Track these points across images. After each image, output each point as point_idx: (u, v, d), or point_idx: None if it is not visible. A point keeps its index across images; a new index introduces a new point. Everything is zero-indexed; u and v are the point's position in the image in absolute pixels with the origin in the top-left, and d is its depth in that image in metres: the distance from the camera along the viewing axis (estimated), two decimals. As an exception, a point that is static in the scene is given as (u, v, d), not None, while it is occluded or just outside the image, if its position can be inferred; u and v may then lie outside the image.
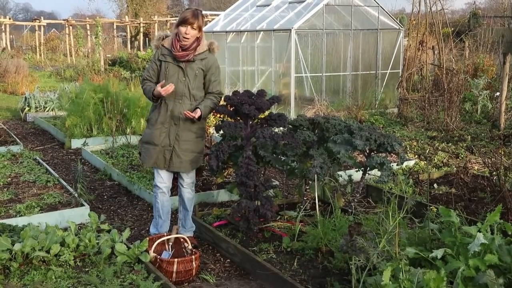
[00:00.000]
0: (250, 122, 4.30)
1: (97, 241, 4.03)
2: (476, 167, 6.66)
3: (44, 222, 4.36)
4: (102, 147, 7.69)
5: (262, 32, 11.39)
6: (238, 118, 4.33)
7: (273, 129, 4.32)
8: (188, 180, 4.32)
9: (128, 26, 30.51)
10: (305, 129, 4.72)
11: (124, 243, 4.00)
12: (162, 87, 3.96)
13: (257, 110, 4.20)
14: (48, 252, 3.84)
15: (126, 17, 31.52)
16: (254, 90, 4.41)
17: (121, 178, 6.22)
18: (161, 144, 4.12)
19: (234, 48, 12.28)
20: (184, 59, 4.05)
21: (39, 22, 28.26)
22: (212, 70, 4.16)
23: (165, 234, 4.16)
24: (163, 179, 4.25)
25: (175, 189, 4.69)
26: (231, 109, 4.33)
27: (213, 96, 4.19)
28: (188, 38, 3.99)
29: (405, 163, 6.57)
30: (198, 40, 4.06)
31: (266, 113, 4.46)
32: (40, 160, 6.99)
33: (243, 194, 4.23)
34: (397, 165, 4.92)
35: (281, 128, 4.58)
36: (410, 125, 9.60)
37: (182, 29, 3.97)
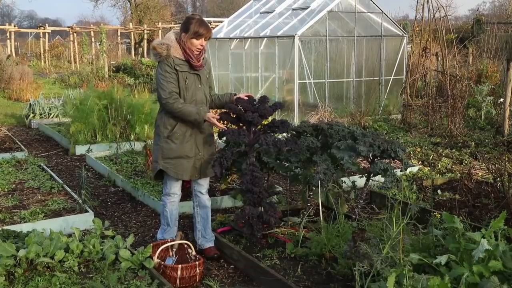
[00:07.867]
0: (253, 129, 4.30)
1: (101, 247, 4.04)
2: (480, 173, 6.65)
3: (49, 228, 4.38)
4: (106, 154, 7.72)
5: (265, 39, 11.42)
6: (241, 124, 4.34)
7: (276, 135, 4.32)
8: (207, 186, 4.34)
9: (132, 33, 30.63)
10: (308, 135, 4.72)
11: (128, 249, 4.01)
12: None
13: (260, 117, 4.20)
14: (52, 258, 3.85)
15: (130, 24, 31.66)
16: (258, 96, 4.41)
17: (125, 184, 6.23)
18: (194, 155, 4.12)
19: (238, 55, 12.32)
20: (201, 68, 4.09)
21: (44, 29, 28.45)
22: (210, 68, 4.31)
23: (169, 240, 4.16)
24: (178, 189, 4.26)
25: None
26: (234, 116, 4.34)
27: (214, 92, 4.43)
28: (203, 49, 4.05)
29: (409, 169, 6.56)
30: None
31: (270, 119, 4.47)
32: (45, 167, 7.01)
33: (248, 200, 4.24)
34: (401, 171, 4.92)
35: (285, 134, 4.59)
36: (413, 131, 9.60)
37: (197, 42, 3.97)
